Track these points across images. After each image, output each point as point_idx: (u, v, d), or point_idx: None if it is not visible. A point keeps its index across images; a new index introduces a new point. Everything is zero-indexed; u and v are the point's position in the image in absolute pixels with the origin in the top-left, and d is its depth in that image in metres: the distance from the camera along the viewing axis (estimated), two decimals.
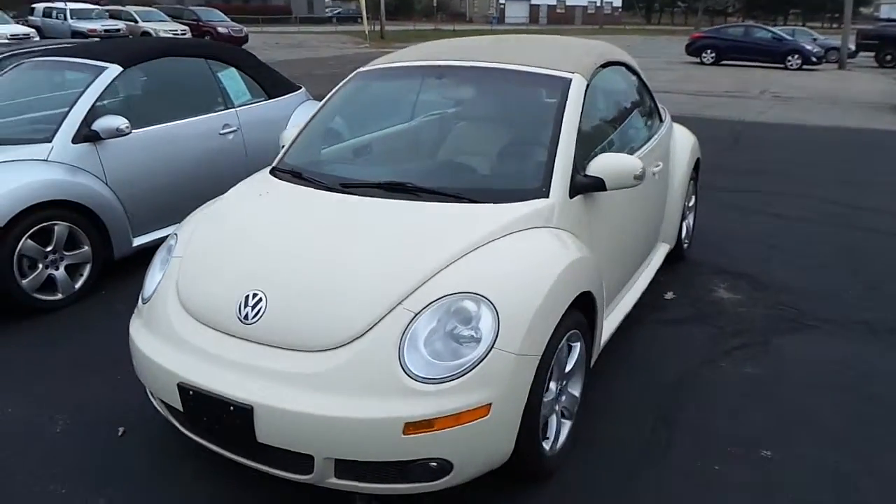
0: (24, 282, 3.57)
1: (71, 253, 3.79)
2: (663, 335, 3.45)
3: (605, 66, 3.20)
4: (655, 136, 3.58)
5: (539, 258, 2.24)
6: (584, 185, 2.57)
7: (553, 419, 2.38)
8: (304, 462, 1.98)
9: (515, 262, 2.19)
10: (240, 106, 4.93)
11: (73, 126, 3.90)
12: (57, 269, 3.74)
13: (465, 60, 3.05)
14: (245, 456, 2.10)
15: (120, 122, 3.94)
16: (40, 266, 3.66)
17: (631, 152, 3.14)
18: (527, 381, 2.05)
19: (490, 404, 1.96)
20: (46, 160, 3.76)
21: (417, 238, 2.26)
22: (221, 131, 4.73)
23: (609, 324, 2.93)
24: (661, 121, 3.90)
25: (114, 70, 4.15)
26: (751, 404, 2.84)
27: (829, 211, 5.60)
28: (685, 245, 4.42)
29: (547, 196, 2.46)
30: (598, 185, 2.57)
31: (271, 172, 2.89)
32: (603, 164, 2.57)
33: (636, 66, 3.75)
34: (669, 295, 3.94)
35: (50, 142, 3.82)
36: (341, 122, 3.19)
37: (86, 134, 3.91)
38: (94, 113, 3.98)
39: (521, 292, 2.09)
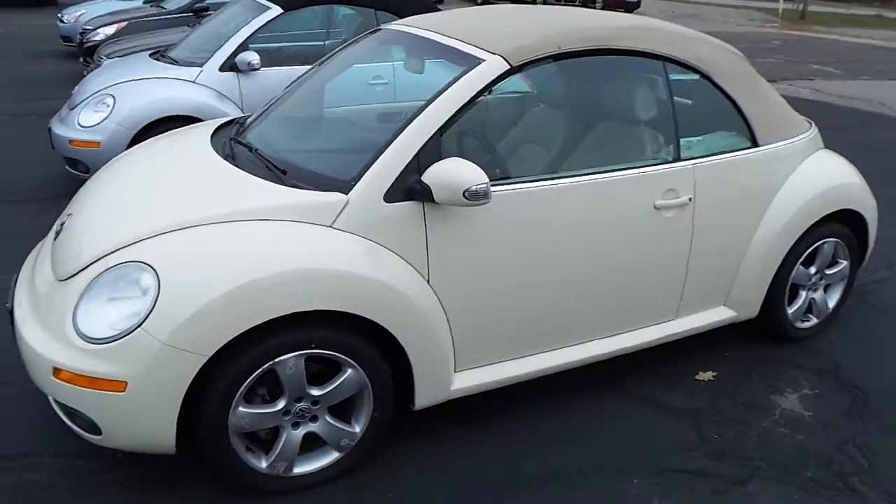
0: None
1: None
2: (620, 417, 2.63)
3: (592, 52, 2.47)
4: (690, 161, 2.60)
5: (257, 254, 1.95)
6: (411, 191, 2.11)
7: (285, 436, 2.11)
8: None
9: (224, 250, 1.96)
10: None
11: (223, 56, 4.57)
12: None
13: (428, 30, 2.65)
14: None
15: (252, 57, 4.47)
16: None
17: (577, 168, 2.44)
18: (182, 376, 1.88)
19: (126, 382, 1.86)
20: (193, 81, 4.50)
21: (188, 200, 2.17)
22: (371, 81, 4.94)
23: (488, 375, 2.38)
24: (751, 143, 2.81)
25: (274, 11, 4.67)
26: None
27: None
28: (802, 324, 3.20)
29: (346, 192, 2.09)
30: (426, 193, 2.07)
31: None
32: (437, 171, 2.06)
33: (699, 60, 2.68)
34: (706, 375, 2.94)
35: (201, 67, 4.53)
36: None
37: (230, 64, 4.54)
38: (245, 47, 4.57)
39: (198, 283, 1.89)
